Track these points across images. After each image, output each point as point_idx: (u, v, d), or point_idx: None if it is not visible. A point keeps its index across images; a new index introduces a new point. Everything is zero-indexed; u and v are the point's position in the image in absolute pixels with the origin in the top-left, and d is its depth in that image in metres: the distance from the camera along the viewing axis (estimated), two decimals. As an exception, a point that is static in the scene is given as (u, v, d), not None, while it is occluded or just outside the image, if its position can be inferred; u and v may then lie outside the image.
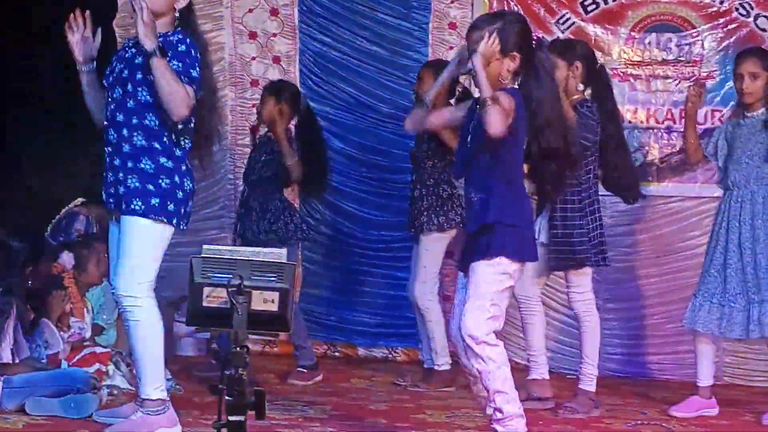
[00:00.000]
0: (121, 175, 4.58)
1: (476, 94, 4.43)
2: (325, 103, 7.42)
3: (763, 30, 6.86)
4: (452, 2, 7.29)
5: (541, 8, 7.13)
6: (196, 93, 4.55)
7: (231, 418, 2.97)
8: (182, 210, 4.63)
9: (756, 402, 6.05)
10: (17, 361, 5.23)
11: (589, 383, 5.57)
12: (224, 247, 3.28)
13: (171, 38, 4.57)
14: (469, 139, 4.30)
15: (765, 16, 6.88)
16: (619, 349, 6.96)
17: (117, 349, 5.97)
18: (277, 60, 7.48)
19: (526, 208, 4.33)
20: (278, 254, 3.24)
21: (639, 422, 5.47)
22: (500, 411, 4.17)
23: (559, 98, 4.52)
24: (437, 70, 5.44)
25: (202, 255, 3.19)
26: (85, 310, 6.11)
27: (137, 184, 4.55)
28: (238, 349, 3.00)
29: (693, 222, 6.95)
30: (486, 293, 4.17)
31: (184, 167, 4.65)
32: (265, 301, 3.17)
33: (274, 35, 7.47)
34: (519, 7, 7.07)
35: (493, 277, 4.18)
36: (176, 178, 4.61)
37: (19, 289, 5.30)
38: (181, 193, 4.61)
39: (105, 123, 4.66)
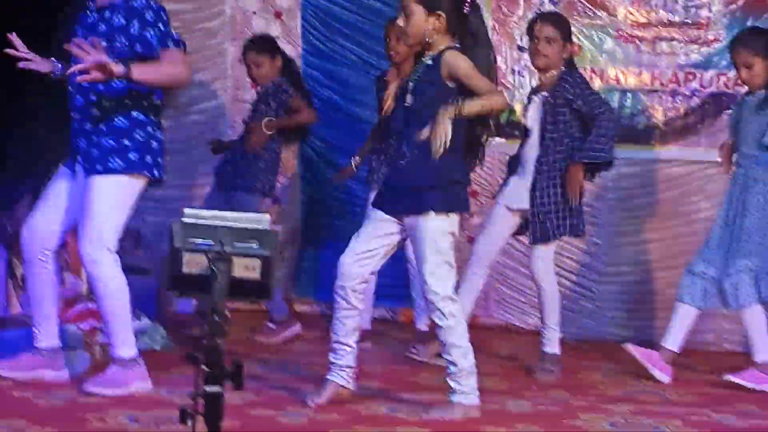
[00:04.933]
0: (94, 137, 4.54)
1: None
2: (327, 60, 7.34)
3: (773, -7, 6.73)
4: (459, -41, 7.18)
5: (544, -34, 7.04)
6: (184, 48, 4.54)
7: (208, 389, 2.92)
8: (159, 160, 4.66)
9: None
10: (9, 315, 5.21)
11: (553, 346, 5.65)
12: (206, 212, 3.21)
13: (134, 4, 4.51)
14: (409, 99, 4.45)
15: (776, -21, 6.74)
16: (618, 313, 6.92)
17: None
18: (278, 15, 7.37)
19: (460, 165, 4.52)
20: (260, 220, 3.17)
21: (635, 389, 5.44)
22: (455, 365, 4.41)
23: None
24: None
25: (182, 220, 3.13)
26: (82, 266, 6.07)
27: (112, 142, 4.51)
28: (216, 318, 2.94)
29: (695, 186, 6.87)
30: (443, 249, 4.38)
31: (156, 118, 4.67)
32: (246, 269, 3.12)
33: (276, -11, 7.37)
34: (522, -33, 6.98)
35: (444, 232, 4.39)
36: (149, 129, 4.61)
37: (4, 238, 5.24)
38: (155, 143, 4.63)
39: (69, 89, 4.63)
